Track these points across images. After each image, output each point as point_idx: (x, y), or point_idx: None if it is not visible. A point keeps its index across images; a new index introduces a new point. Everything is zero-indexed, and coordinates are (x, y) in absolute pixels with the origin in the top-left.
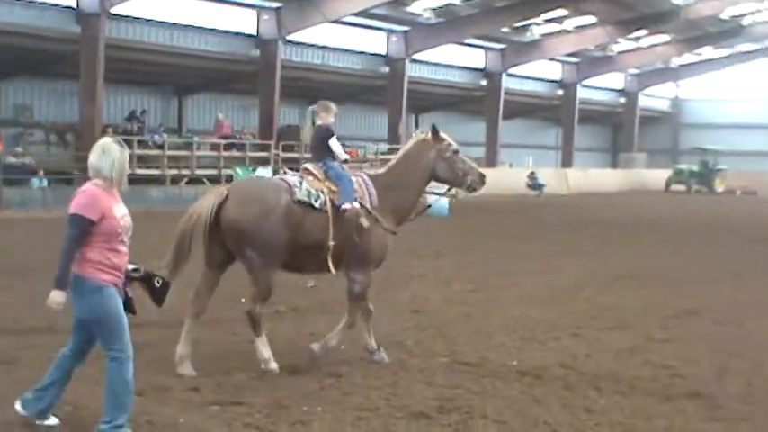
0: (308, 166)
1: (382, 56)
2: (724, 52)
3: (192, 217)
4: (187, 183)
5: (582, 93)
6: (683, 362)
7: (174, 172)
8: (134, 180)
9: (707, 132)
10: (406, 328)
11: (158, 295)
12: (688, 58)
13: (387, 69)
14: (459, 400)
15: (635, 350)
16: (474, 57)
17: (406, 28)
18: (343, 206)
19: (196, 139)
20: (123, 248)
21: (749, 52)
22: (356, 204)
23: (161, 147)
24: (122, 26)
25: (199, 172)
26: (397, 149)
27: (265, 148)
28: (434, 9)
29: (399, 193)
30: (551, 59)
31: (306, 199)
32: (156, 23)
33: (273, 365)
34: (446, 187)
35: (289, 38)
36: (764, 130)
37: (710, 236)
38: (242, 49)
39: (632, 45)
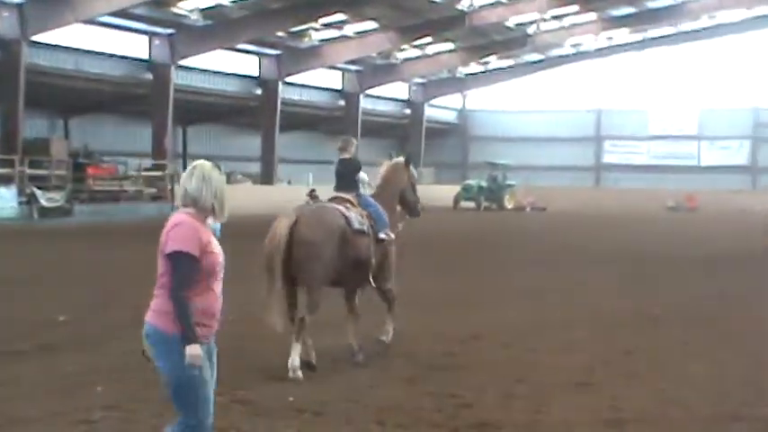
0: (344, 195)
1: (145, 61)
2: (510, 62)
3: (273, 239)
4: None
5: (365, 103)
6: (468, 390)
7: None
8: None
9: (496, 145)
10: None
11: None
12: (474, 67)
13: (150, 76)
14: None
15: (419, 379)
16: (248, 63)
17: (170, 31)
18: (381, 235)
19: None
20: (218, 289)
21: (535, 62)
22: (391, 234)
23: None
24: None
25: None
26: (164, 165)
27: (8, 163)
28: (202, 10)
29: (388, 209)
30: (331, 67)
31: (359, 227)
32: None
33: (299, 374)
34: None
35: (34, 38)
36: (552, 143)
37: (499, 255)
38: None
39: (417, 53)
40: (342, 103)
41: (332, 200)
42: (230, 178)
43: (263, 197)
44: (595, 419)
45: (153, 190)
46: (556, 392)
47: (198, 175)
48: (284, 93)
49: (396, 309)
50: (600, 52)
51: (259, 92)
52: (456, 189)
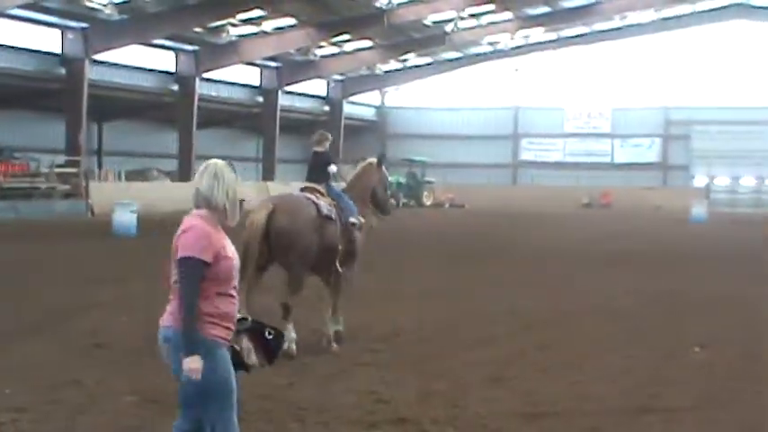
0: (313, 185)
1: (58, 56)
2: (428, 59)
3: (251, 227)
4: None
5: (283, 100)
6: (387, 386)
7: None
8: None
9: (414, 143)
10: (87, 365)
11: (270, 351)
12: (393, 64)
13: (63, 71)
14: None
15: (340, 376)
16: (164, 59)
17: (84, 25)
18: (351, 220)
19: None
20: (235, 293)
21: (453, 60)
22: (360, 218)
23: None
24: None
25: None
26: (78, 162)
27: None
28: (117, 4)
29: (359, 202)
30: (249, 63)
31: (327, 213)
32: None
33: (293, 347)
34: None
35: None
36: (470, 140)
37: (418, 252)
38: None
39: (336, 50)
40: (260, 99)
41: (303, 189)
42: (147, 175)
43: (180, 195)
44: (511, 413)
45: (66, 187)
46: (473, 387)
47: (210, 172)
48: (201, 89)
49: (340, 297)
50: (516, 50)
51: (176, 88)
52: None
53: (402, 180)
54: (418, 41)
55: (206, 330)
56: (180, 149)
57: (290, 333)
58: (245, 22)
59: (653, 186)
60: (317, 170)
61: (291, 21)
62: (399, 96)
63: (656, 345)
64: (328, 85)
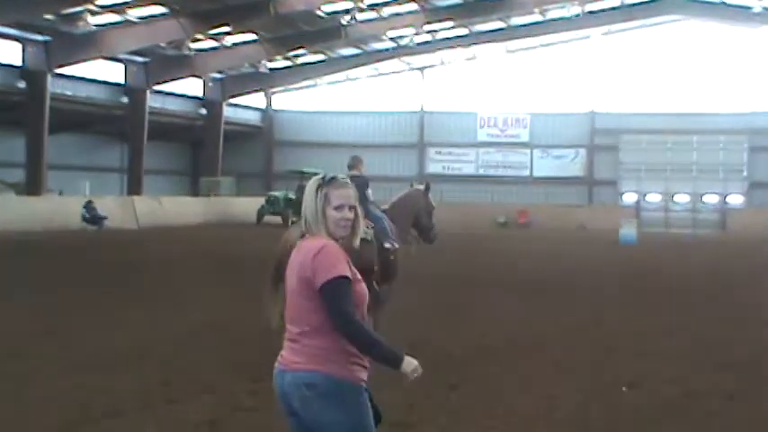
0: None
1: None
2: (321, 56)
3: (285, 243)
4: None
5: (153, 101)
6: None
7: None
8: None
9: (305, 152)
10: None
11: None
12: (281, 62)
13: None
14: None
15: (218, 424)
16: (9, 51)
17: None
18: (386, 245)
19: None
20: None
21: (349, 57)
22: (395, 243)
23: None
24: None
25: None
26: None
27: None
28: None
29: (398, 225)
30: (112, 58)
31: (364, 236)
32: None
33: None
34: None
35: None
36: (370, 150)
37: None
38: None
39: (214, 44)
40: (124, 100)
41: None
42: None
43: (28, 210)
44: None
45: None
46: None
47: (307, 192)
48: (54, 87)
49: (379, 312)
50: (423, 47)
51: (23, 85)
52: (259, 201)
53: (291, 195)
54: (310, 35)
55: (351, 373)
56: (28, 157)
57: None
58: (107, 9)
59: (577, 204)
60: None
61: (162, 9)
62: (288, 98)
63: (576, 383)
64: (205, 84)
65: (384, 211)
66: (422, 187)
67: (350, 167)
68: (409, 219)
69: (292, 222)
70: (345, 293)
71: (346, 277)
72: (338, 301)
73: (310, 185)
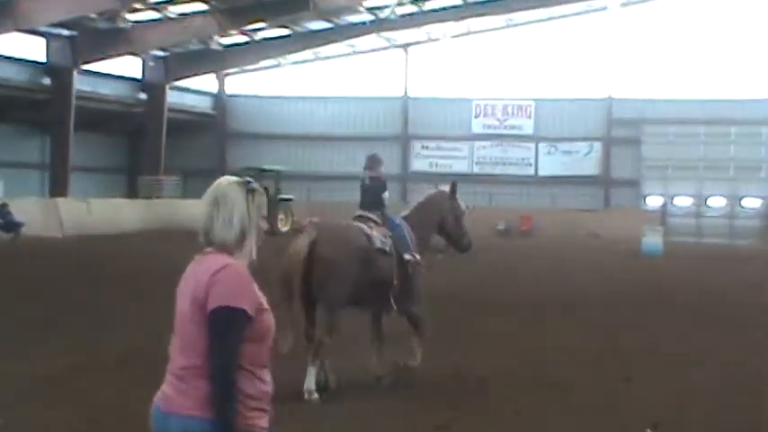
0: (370, 215)
1: None
2: (285, 31)
3: (293, 257)
4: None
5: (82, 83)
6: None
7: None
8: None
9: (264, 145)
10: None
11: None
12: (237, 37)
13: None
14: None
15: None
16: None
17: None
18: (406, 257)
19: None
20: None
21: (319, 32)
22: (416, 255)
23: None
24: None
25: None
26: None
27: None
28: None
29: (418, 233)
30: (31, 31)
31: (381, 246)
32: None
33: (315, 396)
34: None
35: None
36: (343, 143)
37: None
38: None
39: (155, 14)
40: (47, 82)
41: (356, 218)
42: None
43: None
44: None
45: None
46: None
47: (208, 197)
48: None
49: (424, 335)
50: (406, 20)
51: None
52: None
53: None
54: (272, 5)
55: (246, 419)
56: None
57: (311, 381)
58: None
59: (591, 208)
60: (370, 197)
61: None
62: (245, 81)
63: (587, 421)
64: (145, 63)
65: (404, 218)
66: (446, 188)
67: (367, 168)
68: (432, 226)
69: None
70: (235, 329)
71: (244, 312)
72: (222, 338)
73: (234, 188)
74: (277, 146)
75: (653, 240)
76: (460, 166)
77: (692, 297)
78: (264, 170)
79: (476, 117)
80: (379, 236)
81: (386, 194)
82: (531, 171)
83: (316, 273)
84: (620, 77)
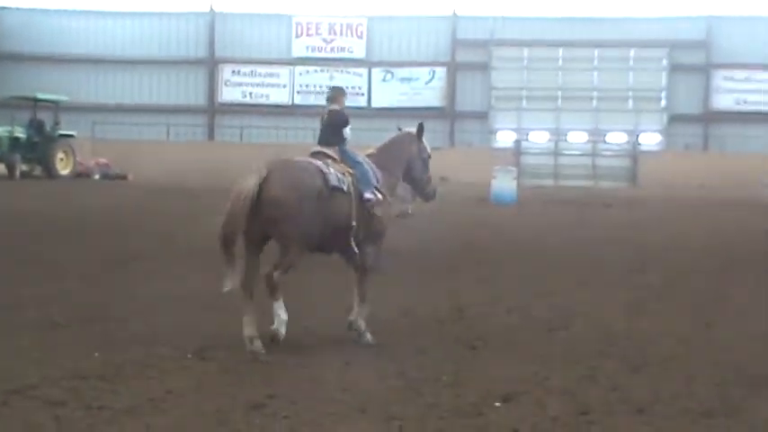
0: (325, 150)
1: None
2: None
3: (237, 198)
4: None
5: None
6: None
7: None
8: None
9: (38, 69)
10: None
11: None
12: None
13: None
14: None
15: None
16: None
17: None
18: (366, 195)
19: None
20: None
21: None
22: (378, 194)
23: None
24: None
25: None
26: None
27: None
28: None
29: (386, 174)
30: None
31: (337, 184)
32: None
33: (282, 330)
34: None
35: None
36: (136, 67)
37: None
38: None
39: None
40: None
41: (312, 155)
42: None
43: None
44: None
45: None
46: None
47: None
48: None
49: (370, 284)
50: None
51: None
52: None
53: (20, 134)
54: None
55: None
56: None
57: (281, 314)
58: None
59: (434, 146)
60: (330, 132)
61: None
62: None
63: (442, 401)
64: None
65: (371, 155)
66: (413, 130)
67: (329, 100)
68: (397, 165)
69: (21, 174)
70: None
71: None
72: None
73: None
74: (57, 70)
75: (504, 185)
76: (279, 96)
77: (548, 252)
78: (40, 99)
79: (297, 37)
80: (336, 173)
81: (347, 130)
82: (363, 102)
83: (267, 215)
84: None
